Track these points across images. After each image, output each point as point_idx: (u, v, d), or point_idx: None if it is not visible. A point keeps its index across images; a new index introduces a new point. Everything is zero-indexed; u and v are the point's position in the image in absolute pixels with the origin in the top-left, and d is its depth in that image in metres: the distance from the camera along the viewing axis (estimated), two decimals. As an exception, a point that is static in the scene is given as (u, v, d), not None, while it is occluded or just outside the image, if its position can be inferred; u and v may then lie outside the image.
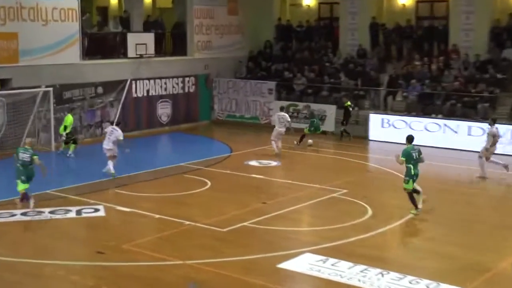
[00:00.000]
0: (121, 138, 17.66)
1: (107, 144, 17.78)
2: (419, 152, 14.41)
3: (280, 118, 21.40)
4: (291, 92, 27.13)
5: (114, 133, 17.81)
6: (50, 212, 14.42)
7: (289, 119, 21.43)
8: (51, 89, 21.69)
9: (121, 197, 15.89)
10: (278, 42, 30.20)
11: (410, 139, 14.53)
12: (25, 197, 14.58)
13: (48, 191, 16.14)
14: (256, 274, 10.92)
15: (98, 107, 23.87)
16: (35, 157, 14.59)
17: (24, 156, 14.60)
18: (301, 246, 12.26)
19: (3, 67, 21.02)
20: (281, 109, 22.16)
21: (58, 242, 12.69)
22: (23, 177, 14.54)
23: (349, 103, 23.98)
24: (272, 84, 27.03)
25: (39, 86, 21.68)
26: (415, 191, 14.41)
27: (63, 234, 13.18)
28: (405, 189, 14.39)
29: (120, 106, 24.50)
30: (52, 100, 21.73)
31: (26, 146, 14.99)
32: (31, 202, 14.54)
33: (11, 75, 21.33)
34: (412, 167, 14.17)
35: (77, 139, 21.28)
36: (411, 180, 14.21)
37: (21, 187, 14.57)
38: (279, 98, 26.83)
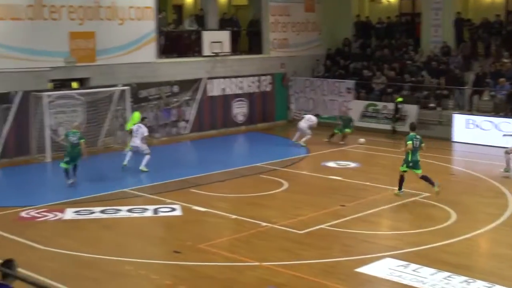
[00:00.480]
0: (146, 134, 18.72)
1: (134, 142, 18.51)
2: (421, 141, 15.85)
3: (310, 122, 22.22)
4: (370, 91, 26.96)
5: (139, 130, 18.59)
6: (128, 211, 14.89)
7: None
8: (128, 87, 22.37)
9: (197, 196, 16.21)
10: (357, 39, 30.06)
11: (413, 127, 16.30)
12: (67, 175, 16.97)
13: (125, 190, 16.68)
14: (334, 278, 10.96)
15: (174, 106, 24.42)
16: (82, 140, 16.98)
17: (73, 138, 16.95)
18: (381, 251, 12.21)
19: (81, 66, 21.82)
20: (316, 116, 23.69)
21: (135, 240, 13.09)
22: (67, 158, 16.92)
23: (400, 99, 24.54)
24: (350, 83, 26.93)
25: (116, 85, 22.40)
26: (426, 179, 15.77)
27: (141, 232, 13.58)
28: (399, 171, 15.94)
29: (196, 105, 24.97)
30: (128, 98, 22.41)
31: (74, 130, 17.28)
32: (71, 181, 16.89)
33: (89, 74, 22.12)
34: (410, 153, 15.71)
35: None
36: (405, 165, 15.83)
37: (63, 165, 17.02)
38: (357, 97, 26.72)
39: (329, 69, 29.01)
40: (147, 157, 18.60)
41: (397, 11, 30.58)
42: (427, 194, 16.09)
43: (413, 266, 11.30)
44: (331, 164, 19.95)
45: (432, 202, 15.55)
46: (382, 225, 14.56)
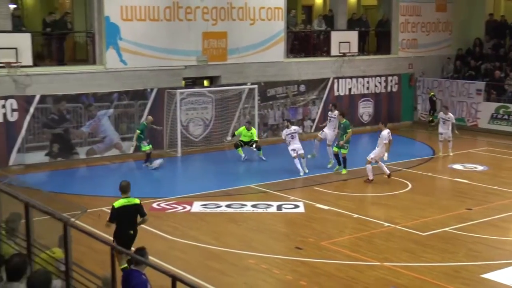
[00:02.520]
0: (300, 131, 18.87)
1: (298, 148, 18.38)
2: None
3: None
4: (502, 93, 25.76)
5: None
6: (252, 206, 15.10)
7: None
8: (256, 86, 22.69)
9: (321, 195, 16.18)
10: (490, 39, 28.81)
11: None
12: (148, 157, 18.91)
13: (251, 186, 16.94)
14: (458, 283, 10.59)
15: (300, 104, 24.50)
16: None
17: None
18: (509, 257, 11.66)
19: (213, 65, 22.36)
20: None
21: (259, 235, 13.25)
22: (145, 142, 18.84)
23: (432, 93, 25.35)
24: (481, 85, 25.86)
25: (245, 84, 22.79)
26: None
27: (264, 227, 13.74)
28: None
29: (322, 104, 24.93)
30: (256, 97, 22.73)
31: (145, 122, 19.22)
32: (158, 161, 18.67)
33: (220, 72, 22.63)
34: None
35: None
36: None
37: (144, 148, 18.90)
38: (488, 99, 25.63)
39: (459, 70, 28.01)
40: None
41: (537, 9, 29.05)
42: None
43: (543, 275, 10.72)
44: (457, 166, 19.28)
45: None
46: (511, 231, 13.88)
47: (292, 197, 15.79)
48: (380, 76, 26.57)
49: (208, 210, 14.84)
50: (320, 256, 11.85)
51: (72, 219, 7.84)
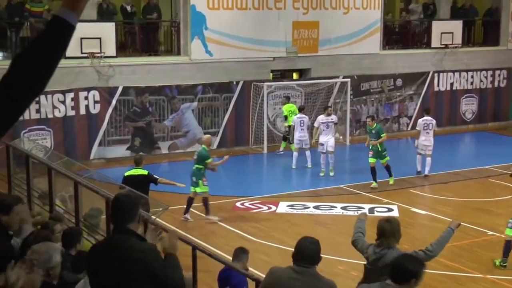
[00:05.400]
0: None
1: (301, 136, 18.23)
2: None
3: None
4: None
5: (304, 121, 18.39)
6: (342, 208, 15.00)
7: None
8: (349, 79, 22.51)
9: (417, 198, 15.92)
10: None
11: None
12: None
13: (341, 186, 16.83)
14: None
15: (396, 100, 24.14)
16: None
17: None
18: None
19: (303, 57, 22.34)
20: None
21: (349, 239, 13.09)
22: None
23: None
24: None
25: (336, 77, 22.63)
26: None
27: (354, 232, 13.58)
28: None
29: (420, 100, 24.46)
30: (349, 91, 22.54)
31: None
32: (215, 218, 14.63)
33: (310, 65, 22.58)
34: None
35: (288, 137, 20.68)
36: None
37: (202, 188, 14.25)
38: None
39: None
40: (308, 153, 18.29)
41: None
42: None
43: None
44: None
45: None
46: None
47: (386, 200, 15.58)
48: (486, 70, 25.79)
49: (294, 211, 14.86)
50: (416, 265, 11.62)
51: (153, 217, 8.02)
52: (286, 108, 20.31)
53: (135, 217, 4.62)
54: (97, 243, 5.78)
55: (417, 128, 18.27)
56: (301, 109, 19.25)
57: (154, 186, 13.74)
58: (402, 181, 17.40)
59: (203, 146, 14.22)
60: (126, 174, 12.38)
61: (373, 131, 16.84)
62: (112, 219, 5.09)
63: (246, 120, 21.23)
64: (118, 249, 4.53)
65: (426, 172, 17.77)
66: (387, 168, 16.86)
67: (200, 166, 13.86)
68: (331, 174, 17.51)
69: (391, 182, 16.94)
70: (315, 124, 17.85)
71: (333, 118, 17.92)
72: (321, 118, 17.65)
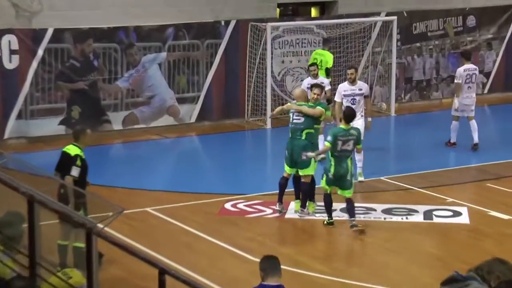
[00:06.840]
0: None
1: None
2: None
3: None
4: None
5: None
6: (384, 211, 14.98)
7: None
8: (394, 18, 22.47)
9: (496, 195, 15.97)
10: None
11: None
12: None
13: (382, 178, 16.83)
14: None
15: (466, 48, 24.12)
16: None
17: None
18: None
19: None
20: None
21: (396, 259, 13.14)
22: None
23: None
24: None
25: (377, 14, 22.60)
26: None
27: (404, 246, 13.60)
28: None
29: (503, 48, 24.48)
30: (395, 35, 22.52)
31: None
32: None
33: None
34: (333, 160, 13.87)
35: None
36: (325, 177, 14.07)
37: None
38: None
39: None
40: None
41: None
42: None
43: None
44: None
45: None
46: None
47: (451, 199, 15.63)
48: None
49: (310, 216, 14.80)
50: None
51: (101, 225, 8.01)
52: (326, 57, 19.93)
53: None
54: None
55: (456, 81, 18.53)
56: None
57: (102, 175, 13.82)
58: (475, 170, 17.52)
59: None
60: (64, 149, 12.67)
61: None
62: None
63: (241, 80, 21.22)
64: None
65: (476, 140, 18.25)
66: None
67: (311, 130, 14.59)
68: (360, 178, 16.83)
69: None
70: (336, 98, 16.97)
71: (362, 86, 17.10)
72: (344, 87, 16.83)
